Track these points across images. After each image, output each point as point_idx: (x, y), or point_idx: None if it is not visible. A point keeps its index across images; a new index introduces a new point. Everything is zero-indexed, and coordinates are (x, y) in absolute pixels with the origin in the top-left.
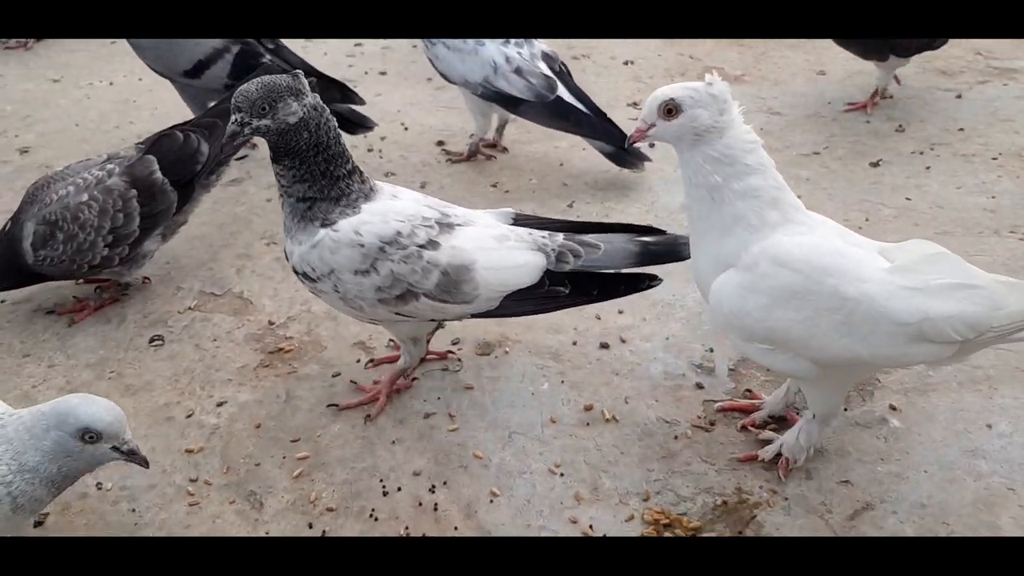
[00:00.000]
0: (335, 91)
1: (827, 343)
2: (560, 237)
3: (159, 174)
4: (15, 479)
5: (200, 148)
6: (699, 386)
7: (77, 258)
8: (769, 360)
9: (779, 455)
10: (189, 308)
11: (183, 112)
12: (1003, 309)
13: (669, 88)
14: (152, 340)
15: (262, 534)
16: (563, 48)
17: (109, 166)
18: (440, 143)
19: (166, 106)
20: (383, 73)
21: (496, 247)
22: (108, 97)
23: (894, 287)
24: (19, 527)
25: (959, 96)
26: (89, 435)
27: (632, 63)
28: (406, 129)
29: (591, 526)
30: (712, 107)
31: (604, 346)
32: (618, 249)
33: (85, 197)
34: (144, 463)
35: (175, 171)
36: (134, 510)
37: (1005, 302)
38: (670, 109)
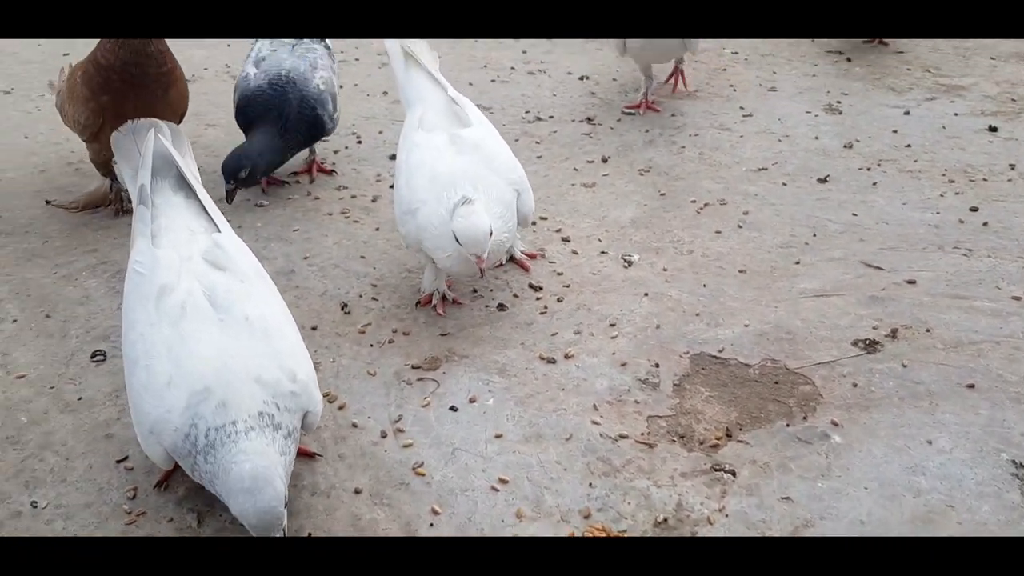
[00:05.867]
0: None
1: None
2: None
3: None
4: None
5: None
6: (643, 402)
7: None
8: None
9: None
10: None
11: None
12: None
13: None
14: (94, 355)
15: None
16: (520, 63)
17: None
18: (394, 157)
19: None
20: (340, 86)
21: None
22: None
23: None
24: None
25: (907, 113)
26: None
27: (587, 78)
28: (360, 142)
29: None
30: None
31: (551, 361)
32: None
33: None
34: None
35: None
36: (68, 529)
37: None
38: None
